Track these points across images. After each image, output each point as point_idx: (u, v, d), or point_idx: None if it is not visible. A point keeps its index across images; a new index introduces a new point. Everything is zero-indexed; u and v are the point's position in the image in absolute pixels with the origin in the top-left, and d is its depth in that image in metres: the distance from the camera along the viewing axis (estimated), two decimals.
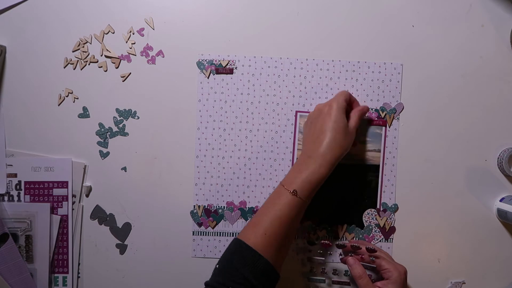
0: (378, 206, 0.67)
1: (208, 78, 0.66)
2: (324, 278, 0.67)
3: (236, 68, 0.66)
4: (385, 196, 0.67)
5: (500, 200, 0.66)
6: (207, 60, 0.66)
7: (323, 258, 0.66)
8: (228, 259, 0.55)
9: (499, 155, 0.67)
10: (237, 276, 0.52)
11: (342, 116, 0.59)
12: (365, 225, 0.67)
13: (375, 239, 0.67)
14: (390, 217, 0.67)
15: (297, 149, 0.67)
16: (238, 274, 0.52)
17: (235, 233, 0.67)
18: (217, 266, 0.55)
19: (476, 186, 0.67)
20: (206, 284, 0.54)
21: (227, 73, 0.66)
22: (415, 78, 0.67)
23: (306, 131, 0.62)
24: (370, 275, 0.61)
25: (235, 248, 0.55)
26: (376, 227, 0.67)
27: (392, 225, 0.67)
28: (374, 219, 0.67)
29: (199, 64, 0.66)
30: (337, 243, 0.64)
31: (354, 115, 0.61)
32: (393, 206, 0.67)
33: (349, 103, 0.62)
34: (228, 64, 0.66)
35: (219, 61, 0.66)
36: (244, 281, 0.52)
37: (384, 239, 0.67)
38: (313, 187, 0.57)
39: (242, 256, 0.54)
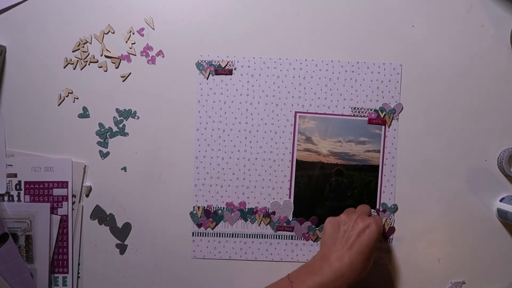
0: (377, 207, 0.67)
1: (207, 79, 0.66)
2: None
3: (235, 69, 0.66)
4: (385, 196, 0.67)
5: (500, 200, 0.66)
6: (206, 61, 0.66)
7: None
8: None
9: (499, 155, 0.67)
10: None
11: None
12: None
13: None
14: (390, 217, 0.67)
15: (296, 150, 0.67)
16: None
17: (235, 234, 0.67)
18: None
19: (476, 186, 0.67)
20: None
21: (226, 74, 0.66)
22: (414, 78, 0.67)
23: (335, 235, 0.58)
24: None
25: None
26: None
27: (391, 225, 0.67)
28: None
29: (198, 65, 0.66)
30: None
31: None
32: (392, 206, 0.67)
33: None
34: (227, 65, 0.66)
35: (218, 62, 0.66)
36: None
37: (383, 239, 0.67)
38: None
39: None
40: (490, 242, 0.67)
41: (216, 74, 0.66)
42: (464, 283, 0.67)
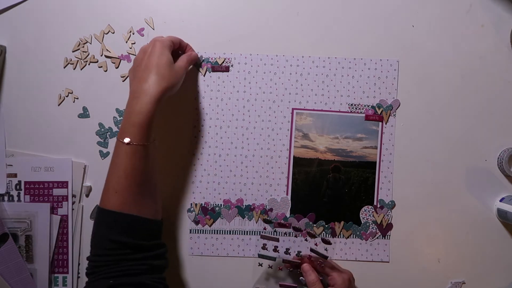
0: (375, 203, 0.67)
1: (204, 76, 0.66)
2: (275, 257, 0.66)
3: (232, 65, 0.66)
4: (382, 193, 0.67)
5: (500, 200, 0.66)
6: (203, 58, 0.66)
7: (278, 238, 0.66)
8: (94, 231, 0.55)
9: (499, 155, 0.67)
10: (106, 243, 0.53)
11: (165, 51, 0.57)
12: (362, 222, 0.67)
13: (373, 236, 0.67)
14: (387, 214, 0.67)
15: (294, 146, 0.67)
16: (106, 240, 0.53)
17: (233, 231, 0.67)
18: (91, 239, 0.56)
19: (476, 186, 0.67)
20: (87, 259, 0.55)
21: (223, 71, 0.66)
22: (413, 77, 0.67)
23: (131, 75, 0.59)
24: (321, 279, 0.61)
25: (97, 218, 0.55)
26: (373, 224, 0.67)
27: (389, 222, 0.67)
28: (371, 216, 0.67)
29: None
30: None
31: (183, 58, 0.61)
32: (390, 203, 0.67)
33: (181, 48, 0.63)
34: (224, 62, 0.66)
35: (215, 59, 0.66)
36: (114, 244, 0.52)
37: (381, 236, 0.67)
38: (145, 128, 0.54)
39: (105, 222, 0.54)
40: (490, 242, 0.67)
41: (213, 71, 0.66)
42: (464, 283, 0.67)
